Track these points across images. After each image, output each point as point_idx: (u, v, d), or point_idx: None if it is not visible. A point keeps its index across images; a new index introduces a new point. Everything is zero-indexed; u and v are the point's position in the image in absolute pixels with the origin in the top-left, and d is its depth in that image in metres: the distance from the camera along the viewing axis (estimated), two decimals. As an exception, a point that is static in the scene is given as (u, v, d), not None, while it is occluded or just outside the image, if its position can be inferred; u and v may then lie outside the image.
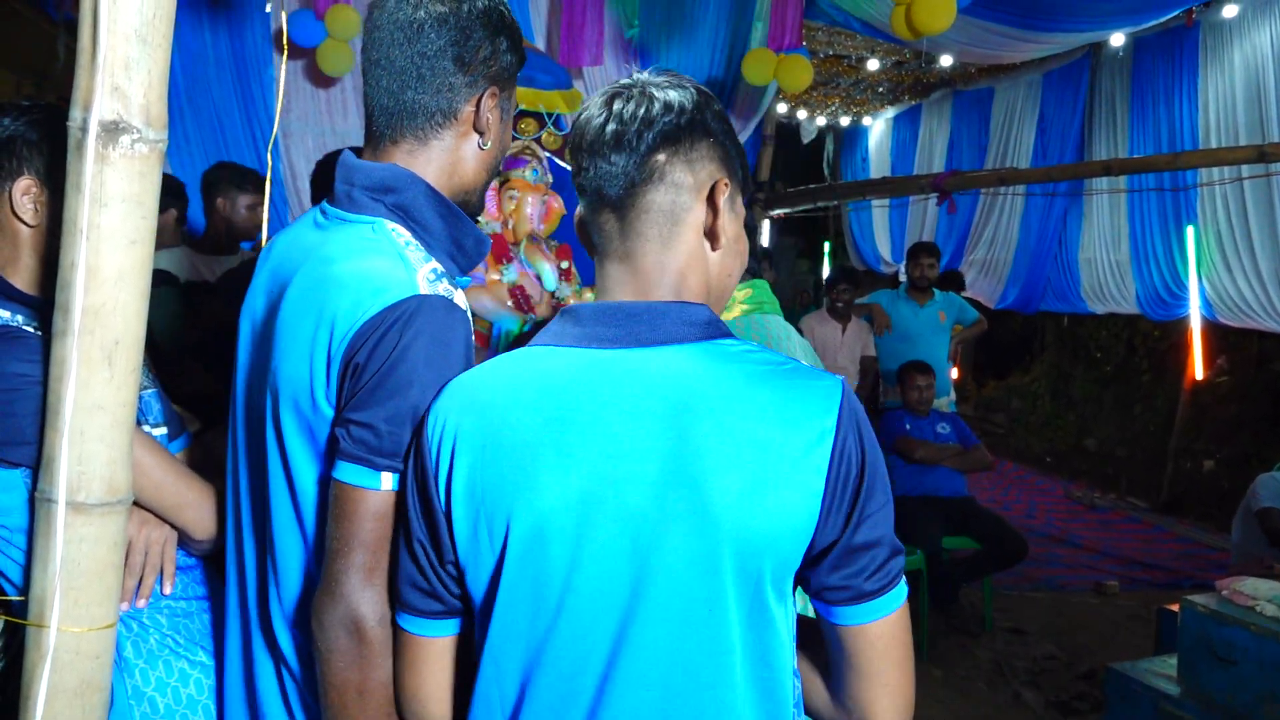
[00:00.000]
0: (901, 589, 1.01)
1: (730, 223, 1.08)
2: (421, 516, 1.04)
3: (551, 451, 0.97)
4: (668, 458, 0.94)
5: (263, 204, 3.59)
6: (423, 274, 1.15)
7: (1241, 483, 4.20)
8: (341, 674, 1.09)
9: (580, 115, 1.09)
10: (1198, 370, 6.85)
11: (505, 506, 0.97)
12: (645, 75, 1.08)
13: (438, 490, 1.01)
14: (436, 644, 1.06)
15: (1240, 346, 7.11)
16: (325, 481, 1.16)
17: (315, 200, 2.21)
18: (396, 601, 1.07)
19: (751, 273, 2.46)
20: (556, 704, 0.96)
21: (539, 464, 0.97)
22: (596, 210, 1.07)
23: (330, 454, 1.14)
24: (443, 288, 1.15)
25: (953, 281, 6.66)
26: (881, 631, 0.99)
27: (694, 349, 1.00)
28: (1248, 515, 4.03)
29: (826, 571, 0.97)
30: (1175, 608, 2.88)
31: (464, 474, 0.99)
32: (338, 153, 1.89)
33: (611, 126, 1.03)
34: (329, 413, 1.14)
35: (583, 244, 1.13)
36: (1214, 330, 6.80)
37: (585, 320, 1.04)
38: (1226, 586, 2.75)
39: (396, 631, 1.08)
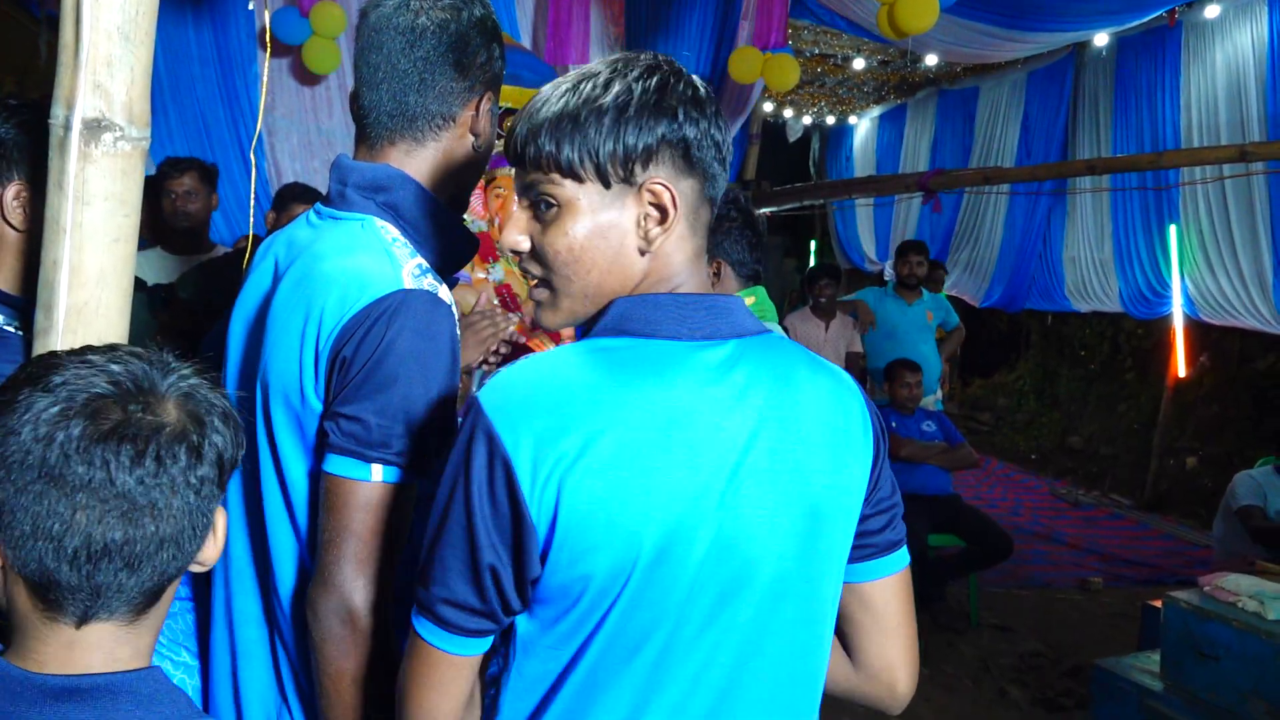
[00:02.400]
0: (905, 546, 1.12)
1: None
2: (506, 534, 0.92)
3: (679, 454, 0.92)
4: (773, 448, 0.96)
5: (202, 187, 3.53)
6: (408, 269, 1.17)
7: (1224, 480, 4.23)
8: (336, 662, 1.11)
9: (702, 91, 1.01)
10: (1181, 368, 6.90)
11: (635, 515, 0.90)
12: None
13: (534, 504, 0.90)
14: (471, 662, 0.99)
15: (1222, 345, 7.16)
16: (315, 475, 1.18)
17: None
18: (435, 620, 0.95)
19: (755, 277, 2.41)
20: (685, 702, 0.94)
21: (667, 468, 0.91)
22: (706, 206, 1.03)
23: (320, 448, 1.15)
24: (427, 283, 1.17)
25: (931, 273, 6.62)
26: (902, 582, 1.09)
27: (759, 341, 1.01)
28: (1228, 513, 4.06)
29: (864, 530, 1.06)
30: (1159, 604, 2.90)
31: (577, 482, 0.89)
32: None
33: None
34: (318, 407, 1.16)
35: (664, 216, 0.99)
36: (1196, 328, 6.85)
37: (656, 309, 0.98)
38: (1209, 583, 2.77)
39: (422, 650, 0.97)
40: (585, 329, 1.02)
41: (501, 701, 0.99)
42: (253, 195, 1.68)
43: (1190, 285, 6.45)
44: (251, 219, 1.75)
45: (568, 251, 0.98)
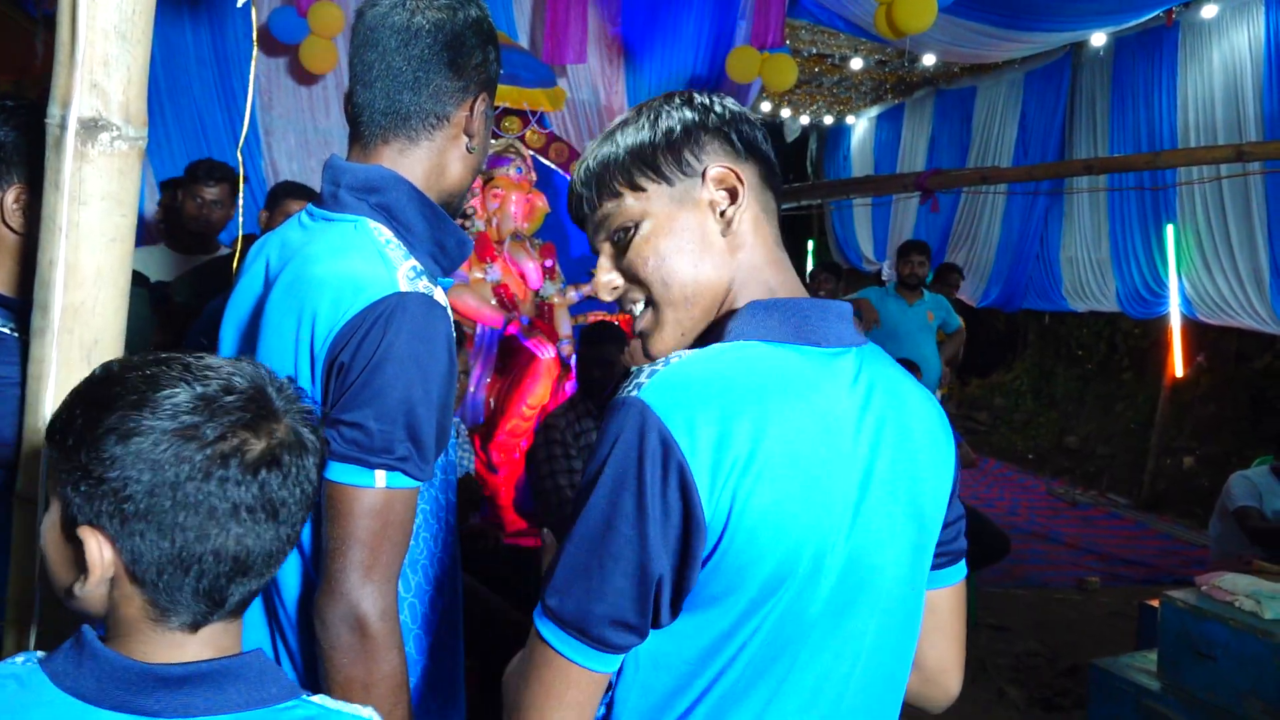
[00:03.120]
0: None
1: None
2: (674, 542, 0.87)
3: (832, 462, 0.92)
4: (893, 457, 0.98)
5: (229, 199, 3.55)
6: (402, 272, 1.16)
7: (1221, 479, 4.23)
8: (346, 670, 1.10)
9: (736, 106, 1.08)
10: (1178, 368, 6.91)
11: (799, 525, 0.89)
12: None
13: (709, 509, 0.86)
14: (608, 679, 0.93)
15: (1219, 344, 7.17)
16: None
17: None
18: (587, 639, 0.89)
19: None
20: (804, 711, 0.94)
21: (825, 477, 0.91)
22: (770, 192, 1.06)
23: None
24: (422, 285, 1.17)
25: (947, 276, 6.63)
26: (963, 589, 1.13)
27: (871, 350, 1.04)
28: (1224, 514, 4.07)
29: (944, 539, 1.08)
30: (1156, 604, 2.90)
31: (754, 490, 0.87)
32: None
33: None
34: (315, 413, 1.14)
35: (735, 195, 1.02)
36: (1193, 328, 6.86)
37: (794, 314, 0.98)
38: (1206, 582, 2.77)
39: (561, 668, 0.90)
40: (713, 335, 0.99)
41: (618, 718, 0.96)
42: (241, 194, 1.68)
43: (1187, 285, 6.46)
44: (241, 219, 1.75)
45: (656, 258, 1.00)
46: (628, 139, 1.02)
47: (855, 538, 0.94)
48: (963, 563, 1.12)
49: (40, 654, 0.83)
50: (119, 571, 0.81)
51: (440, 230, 1.29)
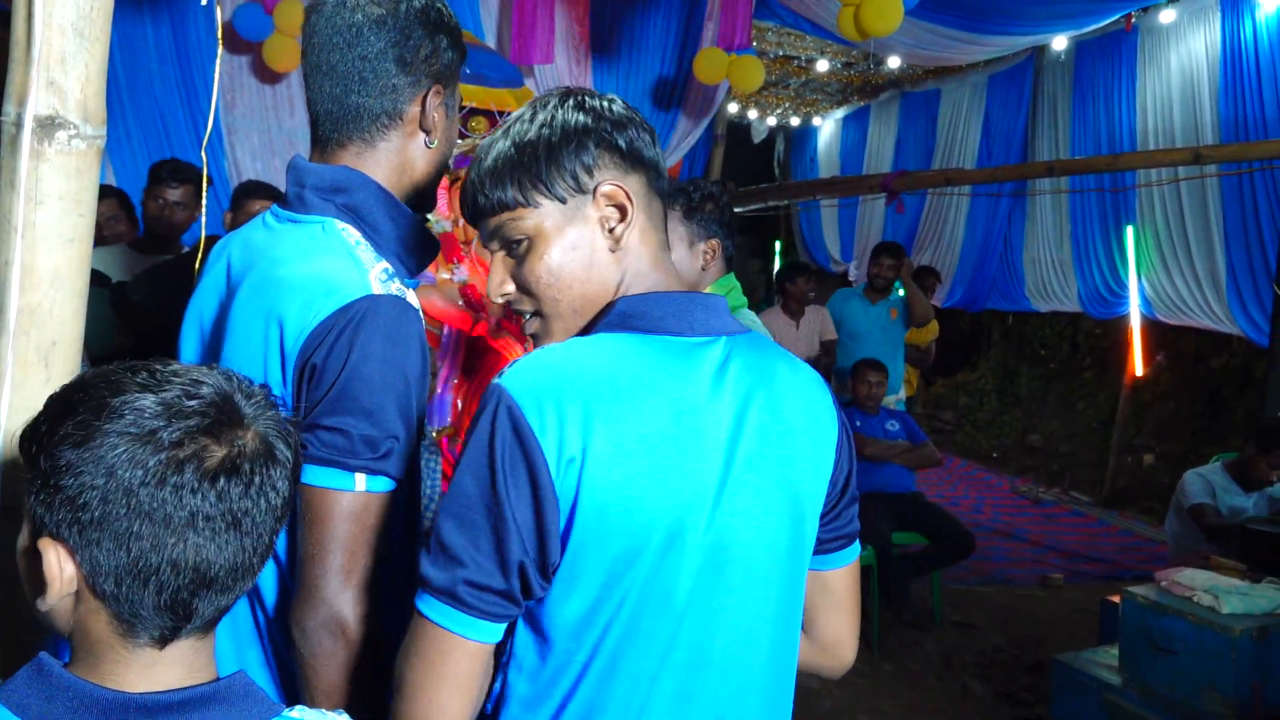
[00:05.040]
0: None
1: None
2: (529, 517, 0.93)
3: (688, 444, 0.97)
4: (762, 439, 1.02)
5: (193, 200, 3.51)
6: (374, 274, 1.15)
7: (1180, 476, 4.30)
8: (329, 678, 1.09)
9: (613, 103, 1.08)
10: (1138, 367, 7.02)
11: (649, 504, 0.95)
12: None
13: (556, 484, 0.92)
14: (487, 651, 0.97)
15: (1178, 344, 7.29)
16: None
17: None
18: (454, 602, 0.93)
19: (731, 262, 2.39)
20: (687, 684, 0.99)
21: (679, 458, 0.96)
22: (656, 198, 1.10)
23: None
24: (395, 287, 1.16)
25: (923, 280, 6.71)
26: (857, 567, 1.20)
27: (745, 339, 1.07)
28: (1179, 511, 4.13)
29: (834, 524, 1.14)
30: (1117, 599, 2.95)
31: (601, 467, 0.93)
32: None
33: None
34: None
35: (624, 212, 1.05)
36: (1153, 328, 6.97)
37: (658, 307, 1.03)
38: (1166, 578, 2.82)
39: (434, 636, 0.94)
40: (586, 330, 1.06)
41: (508, 703, 1.00)
42: (204, 194, 1.65)
43: (1147, 285, 6.56)
44: (204, 219, 1.72)
45: (548, 274, 1.04)
46: (524, 145, 1.04)
47: (720, 517, 0.99)
48: (856, 545, 1.18)
49: None
50: (80, 585, 0.79)
51: (408, 231, 1.28)
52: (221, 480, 0.79)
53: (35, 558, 0.80)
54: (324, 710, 0.88)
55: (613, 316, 1.02)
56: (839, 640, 1.19)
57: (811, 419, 1.08)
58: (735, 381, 1.02)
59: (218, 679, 0.84)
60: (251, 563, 0.84)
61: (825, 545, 1.14)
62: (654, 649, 0.97)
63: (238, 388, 0.84)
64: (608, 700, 0.97)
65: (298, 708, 0.86)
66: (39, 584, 0.80)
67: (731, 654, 1.02)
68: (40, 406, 0.82)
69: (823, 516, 1.12)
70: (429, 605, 0.94)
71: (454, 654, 0.94)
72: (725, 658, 1.01)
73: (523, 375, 0.96)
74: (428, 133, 1.28)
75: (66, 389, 0.82)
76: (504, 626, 0.97)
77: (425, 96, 1.26)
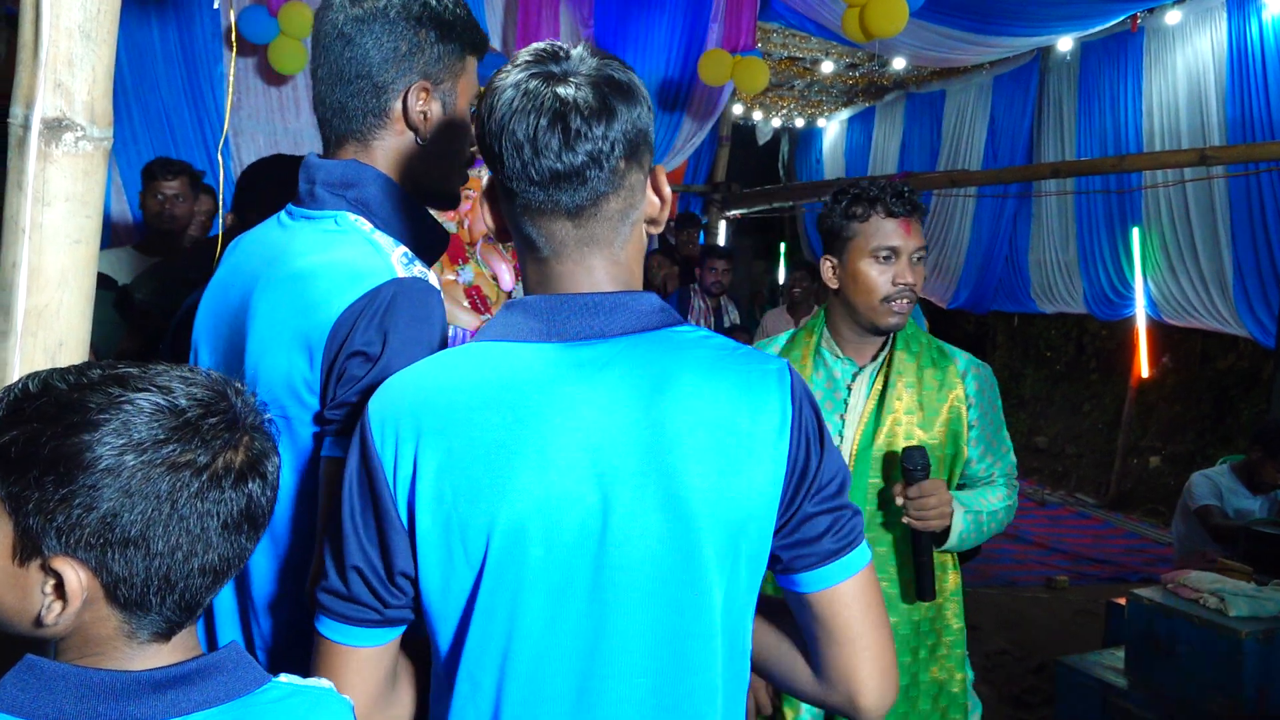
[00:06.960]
0: (865, 549, 1.03)
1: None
2: (372, 529, 0.96)
3: (529, 451, 0.93)
4: (644, 449, 0.94)
5: (189, 191, 3.51)
6: (396, 257, 1.17)
7: (1186, 478, 4.29)
8: None
9: (510, 103, 0.97)
10: (1144, 369, 7.01)
11: (483, 513, 0.92)
12: (577, 56, 0.99)
13: (395, 500, 0.95)
14: (362, 655, 0.99)
15: (1184, 345, 7.28)
16: (300, 482, 1.17)
17: (238, 208, 2.19)
18: (316, 608, 0.99)
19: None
20: (542, 705, 0.95)
21: (516, 466, 0.93)
22: (549, 218, 0.98)
23: (315, 447, 1.15)
24: (417, 270, 1.17)
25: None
26: (852, 591, 1.01)
27: (654, 337, 0.99)
28: (1186, 513, 4.13)
29: (794, 540, 1.00)
30: (1123, 602, 2.94)
31: (431, 481, 0.93)
32: (269, 160, 1.89)
33: (582, 145, 0.94)
34: (314, 405, 1.14)
35: (503, 238, 1.06)
36: (1159, 329, 6.95)
37: (539, 313, 0.99)
38: (1171, 580, 2.81)
39: (334, 652, 0.99)
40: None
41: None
42: (220, 196, 1.66)
43: (1153, 287, 6.54)
44: (221, 216, 1.73)
45: None
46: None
47: (569, 530, 0.93)
48: (844, 561, 1.01)
49: None
50: (94, 595, 0.80)
51: (417, 225, 1.29)
52: (246, 484, 0.85)
53: (20, 573, 0.80)
54: (312, 679, 0.92)
55: (489, 325, 1.00)
56: (844, 676, 1.03)
57: (724, 429, 0.95)
58: (611, 387, 0.95)
59: (204, 653, 0.87)
60: (250, 550, 0.89)
61: (791, 564, 1.01)
62: (515, 664, 0.94)
63: (229, 387, 0.87)
64: (463, 705, 0.97)
65: (286, 675, 0.89)
66: (22, 597, 0.80)
67: (581, 684, 0.95)
68: None
69: (777, 531, 0.99)
70: (317, 619, 1.00)
71: (345, 662, 0.99)
72: (587, 674, 0.95)
73: (379, 395, 0.99)
74: (415, 130, 1.27)
75: (45, 399, 0.80)
76: (381, 632, 0.99)
77: (406, 94, 1.25)
